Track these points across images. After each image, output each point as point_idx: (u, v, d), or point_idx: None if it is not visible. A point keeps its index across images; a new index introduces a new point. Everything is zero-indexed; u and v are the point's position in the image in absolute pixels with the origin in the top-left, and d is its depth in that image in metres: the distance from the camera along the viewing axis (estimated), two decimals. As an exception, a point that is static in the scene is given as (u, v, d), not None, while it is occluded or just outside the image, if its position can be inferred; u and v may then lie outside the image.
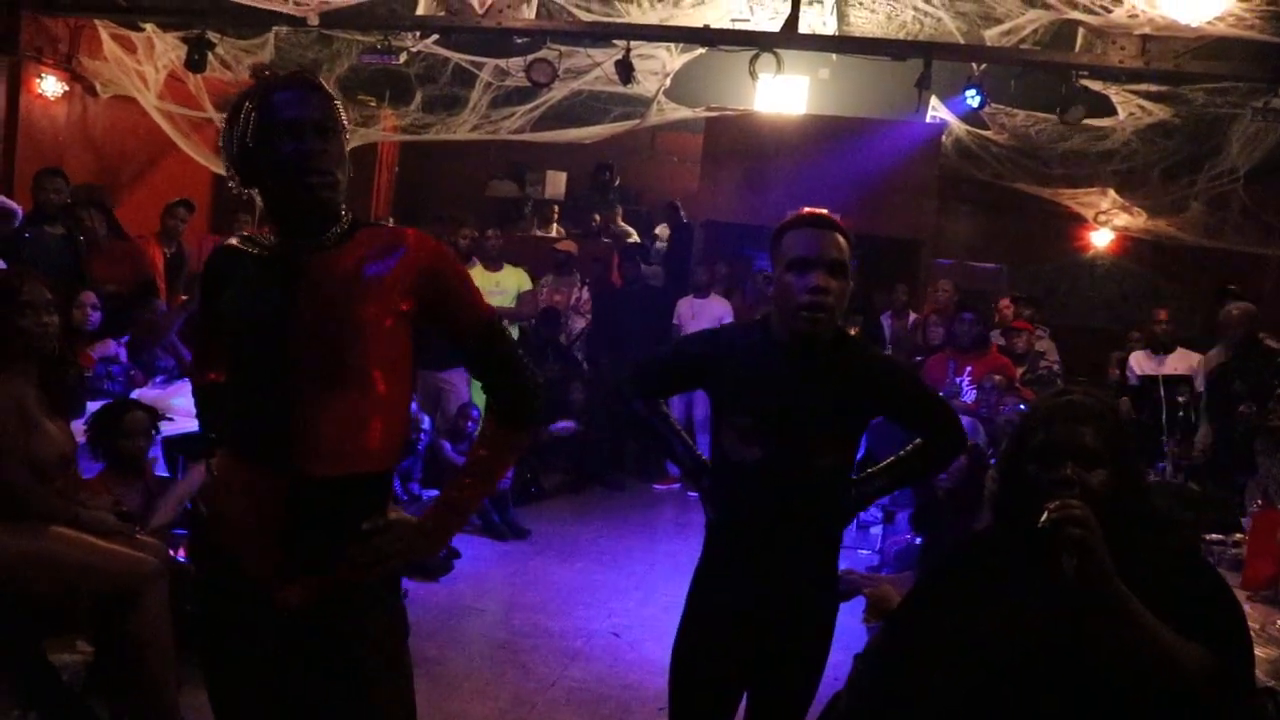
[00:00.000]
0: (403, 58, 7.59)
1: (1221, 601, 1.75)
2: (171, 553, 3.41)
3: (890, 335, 8.07)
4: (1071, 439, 1.79)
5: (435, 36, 7.72)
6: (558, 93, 8.12)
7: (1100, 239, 10.92)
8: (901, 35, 7.57)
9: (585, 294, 8.35)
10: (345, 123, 1.89)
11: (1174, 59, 6.63)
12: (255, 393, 1.84)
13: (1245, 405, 5.37)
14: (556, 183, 11.23)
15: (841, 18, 7.79)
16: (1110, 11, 6.24)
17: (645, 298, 8.39)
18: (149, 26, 7.71)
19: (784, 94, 9.31)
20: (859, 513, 3.16)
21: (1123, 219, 10.10)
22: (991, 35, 6.90)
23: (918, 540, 4.79)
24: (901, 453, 2.49)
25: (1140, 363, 7.17)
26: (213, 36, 7.46)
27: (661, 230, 10.46)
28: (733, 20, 7.58)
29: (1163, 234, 9.71)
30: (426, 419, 6.29)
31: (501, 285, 7.57)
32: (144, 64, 7.88)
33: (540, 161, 11.01)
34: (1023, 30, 6.78)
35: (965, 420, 4.18)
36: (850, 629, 3.00)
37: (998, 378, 5.90)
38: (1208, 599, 1.74)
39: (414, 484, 6.01)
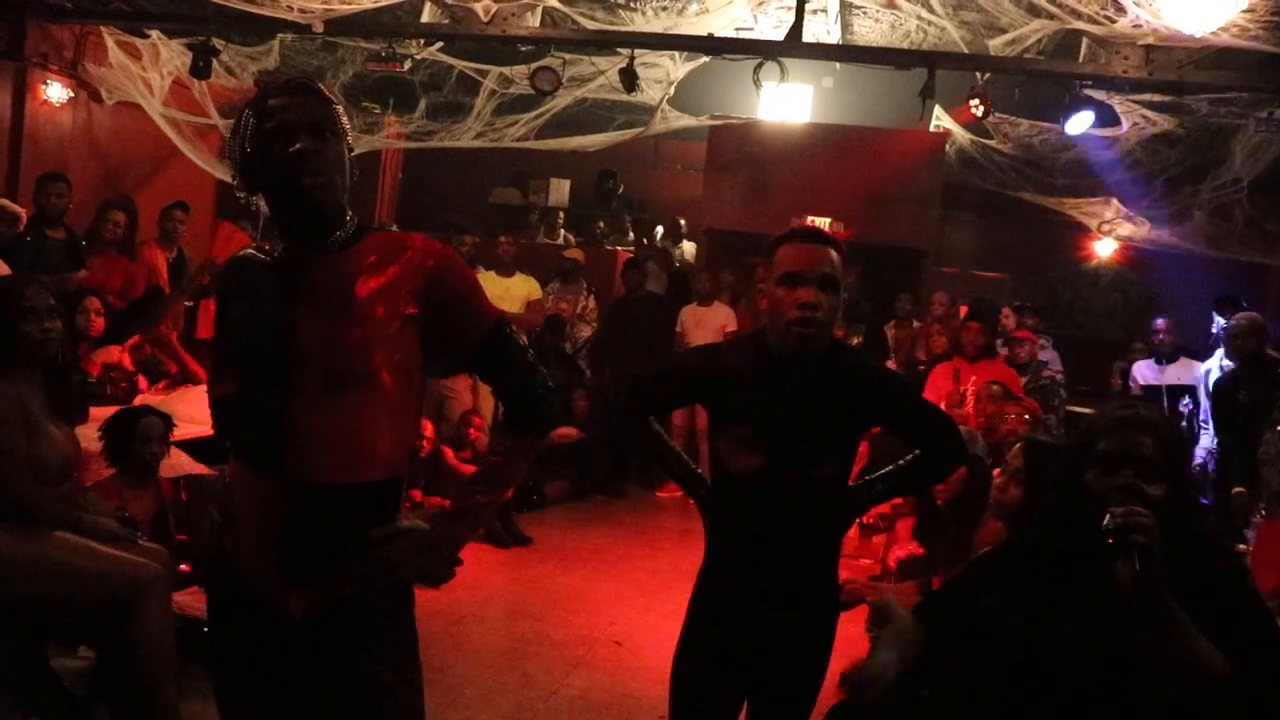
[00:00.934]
0: (407, 65, 7.61)
1: (1268, 629, 1.73)
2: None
3: (893, 344, 8.07)
4: (1134, 448, 1.78)
5: (440, 44, 7.74)
6: (562, 100, 8.14)
7: (1103, 249, 10.91)
8: (905, 44, 7.58)
9: (592, 302, 8.36)
10: (346, 126, 1.88)
11: (1177, 69, 6.63)
12: (263, 399, 1.83)
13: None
14: (560, 190, 11.25)
15: (845, 27, 7.81)
16: (1114, 21, 6.24)
17: (648, 306, 8.40)
18: (154, 33, 7.75)
19: (788, 103, 9.33)
20: (856, 518, 3.15)
21: (1126, 229, 10.09)
22: (995, 45, 6.90)
23: (919, 550, 4.78)
24: (901, 461, 2.48)
25: (1142, 372, 7.16)
26: (218, 43, 7.48)
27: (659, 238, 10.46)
28: (737, 29, 7.59)
29: (1166, 244, 9.70)
30: (429, 426, 6.29)
31: (510, 292, 7.58)
32: (149, 71, 7.90)
33: (544, 169, 11.03)
34: (1026, 40, 6.79)
35: (965, 430, 4.17)
36: (851, 638, 2.99)
37: (995, 387, 5.88)
38: (1254, 625, 1.72)
39: (415, 491, 6.00)
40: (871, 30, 7.79)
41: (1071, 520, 1.78)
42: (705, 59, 7.71)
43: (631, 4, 7.23)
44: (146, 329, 5.67)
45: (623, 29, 7.30)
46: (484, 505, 1.98)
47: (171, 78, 7.97)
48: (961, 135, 8.82)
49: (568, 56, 7.52)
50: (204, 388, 5.66)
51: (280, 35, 7.58)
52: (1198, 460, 5.90)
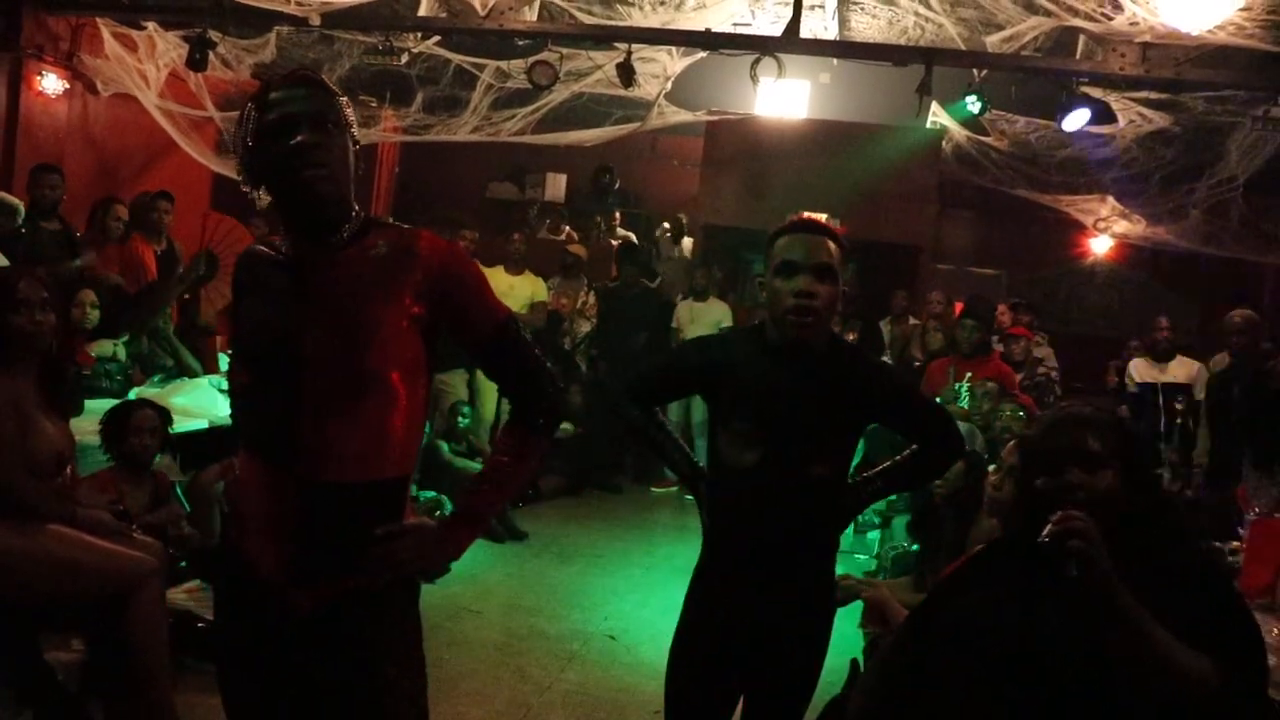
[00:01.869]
0: (404, 59, 7.59)
1: (1236, 614, 1.74)
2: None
3: (889, 341, 8.08)
4: (1072, 444, 1.80)
5: (437, 38, 7.72)
6: (559, 95, 8.11)
7: (1099, 246, 10.92)
8: (902, 41, 7.57)
9: (592, 298, 8.34)
10: (349, 119, 1.87)
11: (1174, 67, 6.63)
12: (270, 395, 1.82)
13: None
14: (557, 185, 11.23)
15: (843, 23, 7.80)
16: (1111, 19, 6.24)
17: (643, 300, 8.39)
18: (150, 25, 7.70)
19: (785, 98, 9.31)
20: (854, 516, 3.16)
21: (1122, 226, 10.10)
22: (992, 41, 6.90)
23: (915, 546, 4.79)
24: (898, 458, 2.49)
25: (1139, 370, 7.18)
26: (214, 36, 7.44)
27: (660, 233, 10.44)
28: (734, 24, 7.58)
29: (1162, 241, 9.71)
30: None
31: (516, 290, 7.57)
32: (145, 62, 7.86)
33: (540, 164, 11.01)
34: (1024, 37, 6.78)
35: (962, 426, 4.18)
36: (846, 634, 3.00)
37: (990, 384, 5.89)
38: (1222, 611, 1.73)
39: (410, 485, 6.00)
40: (869, 26, 7.78)
41: (1029, 524, 1.79)
42: (702, 54, 7.69)
43: (629, -1, 7.22)
44: (142, 322, 5.65)
45: (620, 24, 7.29)
46: (488, 505, 1.97)
47: (167, 70, 7.93)
48: (958, 132, 8.82)
49: (565, 51, 7.50)
50: (200, 381, 5.68)
51: (277, 28, 7.55)
52: (1195, 459, 5.90)
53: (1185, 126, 7.68)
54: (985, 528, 3.41)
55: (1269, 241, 8.93)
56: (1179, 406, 6.23)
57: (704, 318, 7.89)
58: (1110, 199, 9.65)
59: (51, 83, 7.75)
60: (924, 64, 6.84)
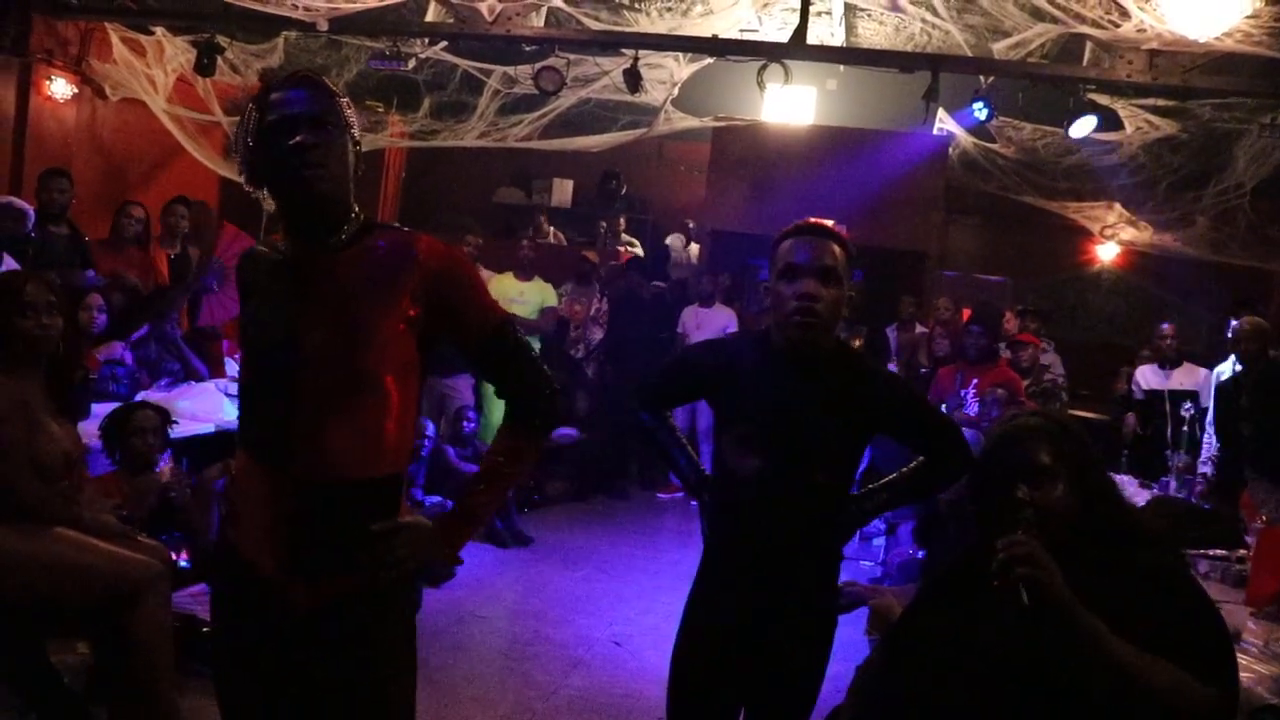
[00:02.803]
0: (411, 64, 7.61)
1: (1201, 618, 1.72)
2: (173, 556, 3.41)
3: (895, 347, 8.07)
4: (1019, 460, 1.79)
5: (444, 43, 7.74)
6: (566, 101, 8.14)
7: (1106, 253, 10.91)
8: (909, 47, 7.58)
9: (605, 305, 8.34)
10: (350, 120, 1.88)
11: (1181, 74, 6.63)
12: (270, 396, 1.85)
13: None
14: (563, 190, 11.25)
15: (850, 29, 7.81)
16: (1118, 26, 6.24)
17: (650, 307, 8.40)
18: (159, 30, 7.75)
19: (791, 105, 9.33)
20: (859, 528, 3.14)
21: (1129, 233, 10.09)
22: (999, 48, 6.90)
23: (920, 553, 4.78)
24: (904, 469, 2.46)
25: (1147, 377, 7.16)
26: (222, 41, 7.48)
27: (674, 240, 10.41)
28: (741, 30, 7.59)
29: (1169, 249, 9.70)
30: (430, 425, 6.29)
31: (525, 295, 7.58)
32: (153, 67, 7.90)
33: (547, 169, 11.03)
34: (1030, 44, 6.79)
35: (969, 433, 4.16)
36: (851, 641, 2.99)
37: (999, 391, 5.88)
38: (1187, 616, 1.71)
39: (417, 490, 6.00)
40: (876, 33, 7.79)
41: (989, 548, 1.78)
42: (709, 60, 7.71)
43: (636, 5, 7.23)
44: (151, 326, 5.67)
45: (627, 30, 7.30)
46: (485, 505, 1.99)
47: (176, 75, 7.97)
48: (965, 138, 8.82)
49: (572, 57, 7.52)
50: (207, 385, 5.70)
51: (285, 33, 7.58)
52: (1201, 466, 5.87)
53: (1192, 133, 7.68)
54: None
55: (1276, 248, 8.91)
56: (1186, 414, 6.19)
57: (709, 323, 7.89)
58: (1117, 206, 9.64)
59: (60, 87, 7.79)
60: (930, 70, 6.85)
